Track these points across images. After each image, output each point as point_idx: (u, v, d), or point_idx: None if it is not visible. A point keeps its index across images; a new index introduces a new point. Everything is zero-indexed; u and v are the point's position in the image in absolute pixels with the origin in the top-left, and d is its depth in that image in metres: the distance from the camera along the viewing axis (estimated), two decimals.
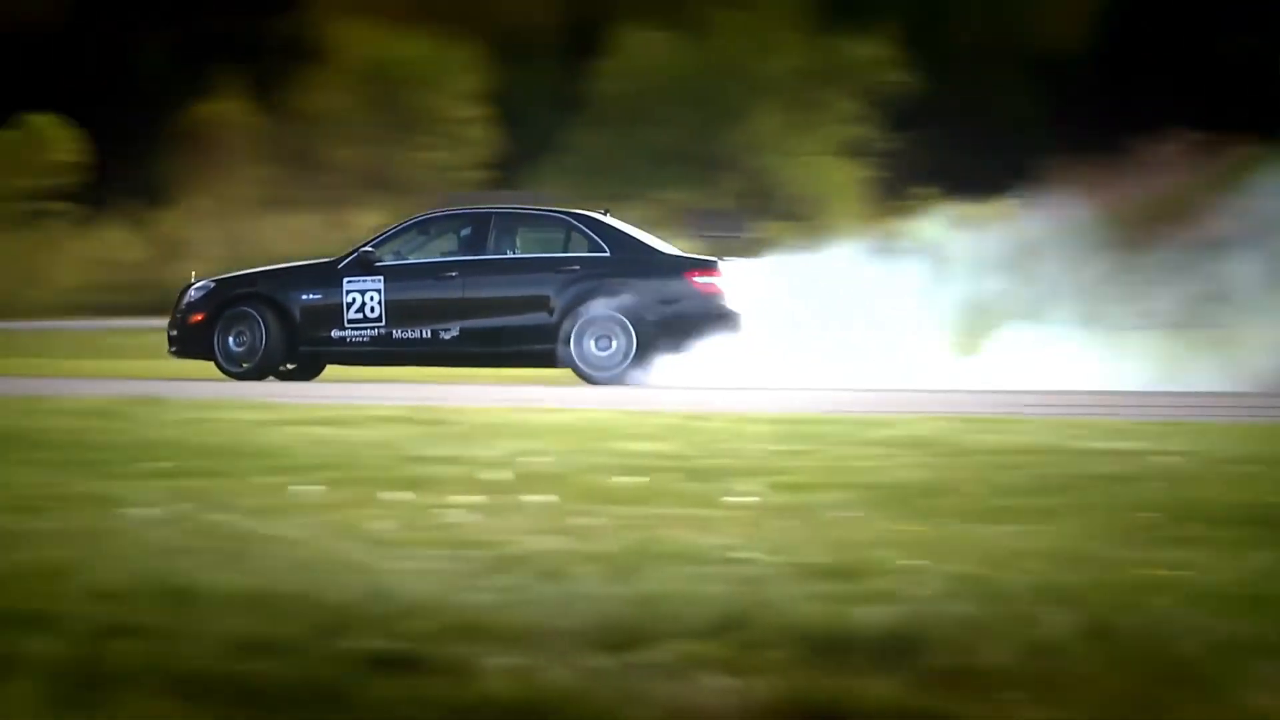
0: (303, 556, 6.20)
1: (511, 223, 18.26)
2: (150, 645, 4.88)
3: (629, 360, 17.31)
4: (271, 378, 18.16)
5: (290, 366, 18.37)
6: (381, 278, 17.79)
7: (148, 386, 15.35)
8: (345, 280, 17.85)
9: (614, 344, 17.35)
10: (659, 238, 18.97)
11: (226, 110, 57.01)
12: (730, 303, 17.33)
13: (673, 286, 17.41)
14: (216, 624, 5.09)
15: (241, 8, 59.02)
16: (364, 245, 18.23)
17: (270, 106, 55.95)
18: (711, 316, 17.21)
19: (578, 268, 17.61)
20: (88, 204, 54.26)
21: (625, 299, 17.39)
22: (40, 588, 5.55)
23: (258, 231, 50.46)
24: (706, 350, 17.03)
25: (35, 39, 58.43)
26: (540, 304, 17.57)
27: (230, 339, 17.91)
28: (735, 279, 17.47)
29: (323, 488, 7.99)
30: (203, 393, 14.67)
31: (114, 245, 52.75)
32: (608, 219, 18.38)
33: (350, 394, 15.44)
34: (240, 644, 4.89)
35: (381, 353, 17.86)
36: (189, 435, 10.70)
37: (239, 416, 11.92)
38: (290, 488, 7.97)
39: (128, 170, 54.47)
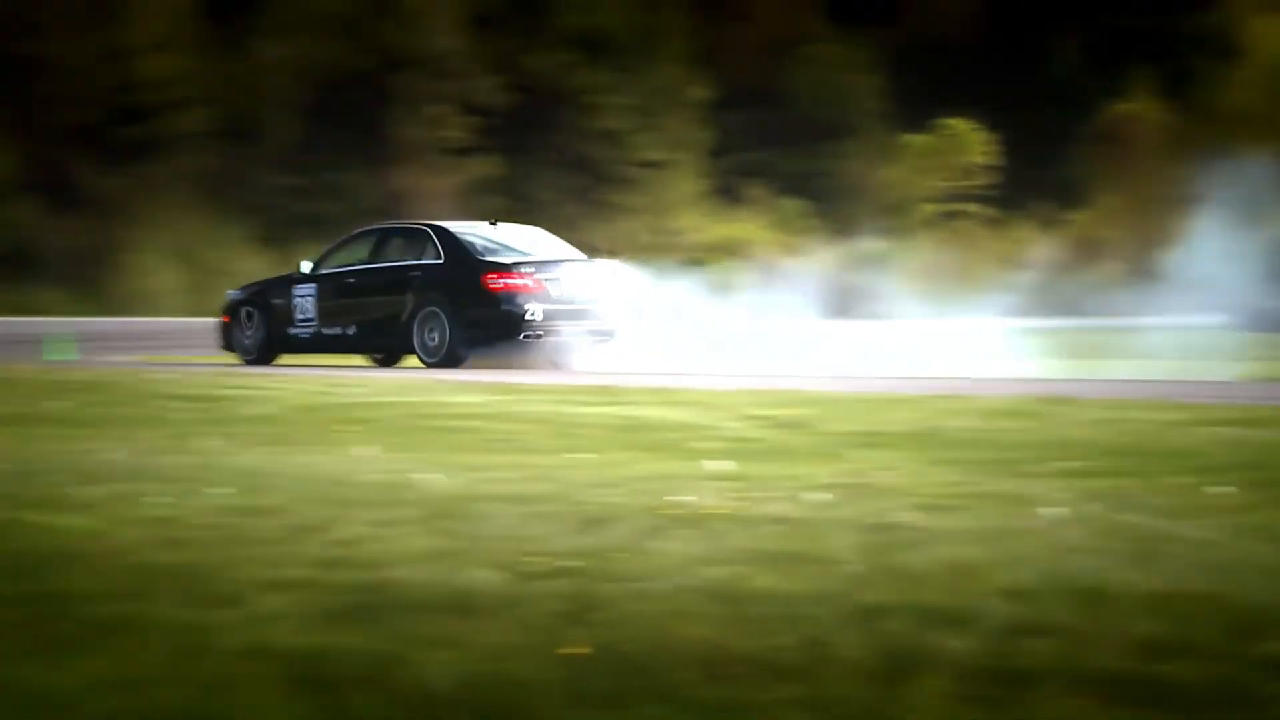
0: (1214, 558, 6.04)
1: (392, 236, 21.83)
2: (1059, 644, 4.88)
3: (445, 348, 20.25)
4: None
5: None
6: (315, 285, 21.62)
7: (1057, 386, 15.40)
8: (295, 287, 21.75)
9: (438, 335, 20.38)
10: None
11: (1139, 109, 56.55)
12: (525, 301, 19.94)
13: (473, 288, 20.14)
14: (1125, 624, 5.04)
15: (1155, 5, 58.41)
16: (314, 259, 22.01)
17: (1183, 104, 55.02)
18: (502, 313, 19.96)
19: (420, 274, 20.73)
20: (1000, 205, 55.27)
21: (443, 299, 20.35)
22: (953, 584, 5.66)
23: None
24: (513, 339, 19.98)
25: (954, 46, 60.12)
26: (400, 305, 20.73)
27: (241, 333, 22.16)
28: (540, 281, 20.12)
29: (1235, 489, 7.77)
30: (1116, 393, 14.55)
31: (1025, 245, 53.30)
32: (458, 228, 21.38)
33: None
34: (1149, 645, 4.82)
35: (318, 346, 21.71)
36: (1100, 435, 10.66)
37: (1153, 417, 11.77)
38: (1203, 489, 7.79)
39: (1039, 171, 55.07)
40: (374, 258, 21.52)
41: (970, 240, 53.76)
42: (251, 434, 11.46)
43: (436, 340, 20.38)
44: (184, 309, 60.49)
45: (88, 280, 59.34)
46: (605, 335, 20.60)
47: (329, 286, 21.53)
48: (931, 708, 4.44)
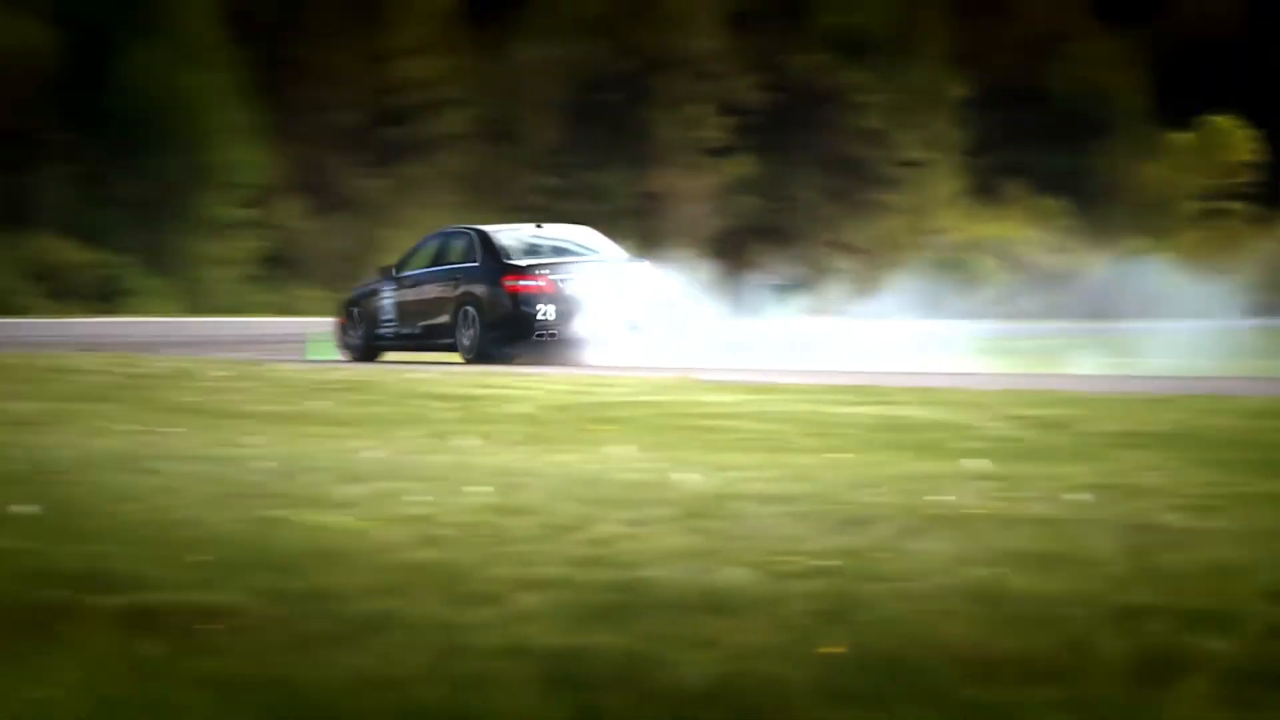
0: None
1: (451, 239, 22.47)
2: None
3: (476, 345, 21.00)
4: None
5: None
6: (395, 286, 22.52)
7: None
8: (383, 288, 22.73)
9: (471, 332, 21.09)
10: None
11: None
12: (537, 302, 20.66)
13: (496, 290, 20.95)
14: None
15: None
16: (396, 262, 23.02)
17: None
18: (516, 314, 20.70)
19: (461, 276, 21.54)
20: (1265, 203, 53.94)
21: (474, 300, 21.16)
22: (1216, 586, 5.52)
23: None
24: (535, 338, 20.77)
25: (1219, 42, 58.82)
26: (447, 305, 21.55)
27: (349, 332, 23.21)
28: (553, 282, 20.80)
29: None
30: None
31: None
32: (498, 231, 21.97)
33: None
34: None
35: (398, 344, 22.53)
36: None
37: None
38: None
39: None
40: (435, 260, 22.34)
41: (1234, 239, 52.60)
42: (508, 433, 11.58)
43: (469, 340, 21.22)
44: None
45: (350, 280, 60.60)
46: (631, 332, 21.05)
47: (403, 288, 22.47)
48: (1192, 710, 4.37)
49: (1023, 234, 54.92)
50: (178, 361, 18.98)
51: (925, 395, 14.08)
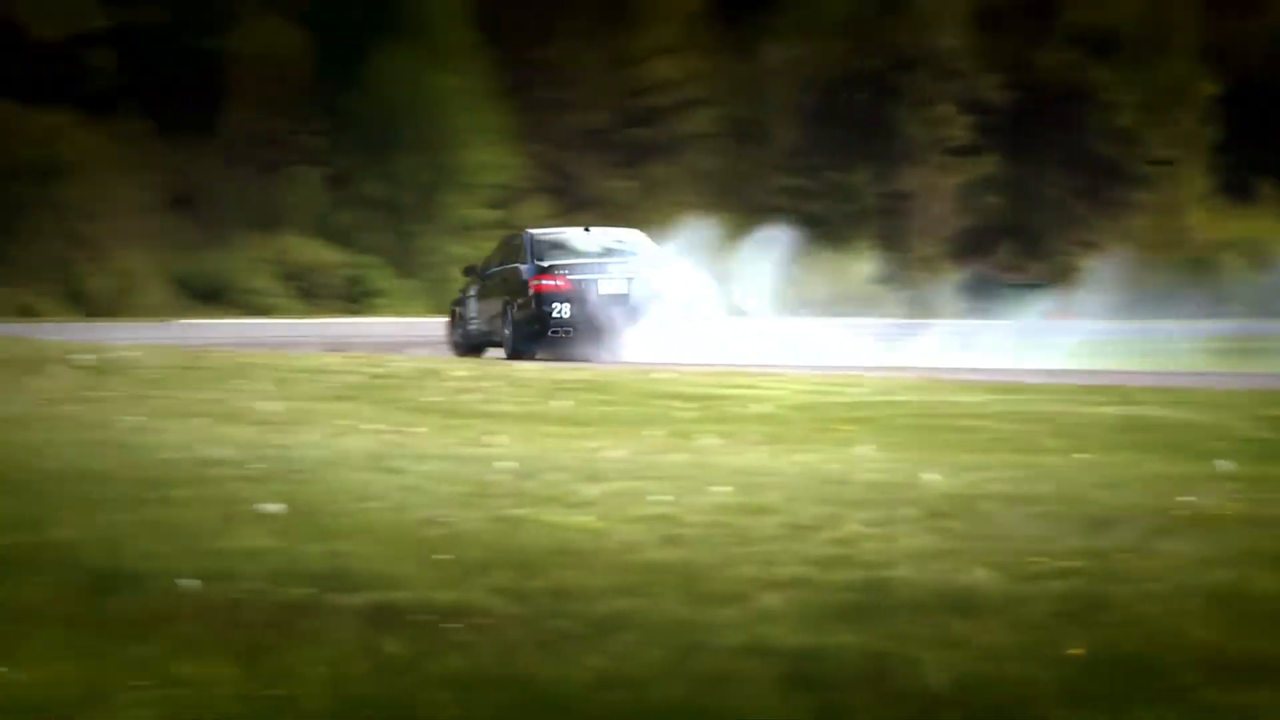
0: None
1: (512, 241, 23.28)
2: None
3: (510, 343, 21.81)
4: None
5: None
6: (476, 287, 23.40)
7: None
8: (471, 287, 23.62)
9: (508, 330, 21.91)
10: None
11: None
12: (555, 300, 21.27)
13: (524, 289, 21.63)
14: None
15: None
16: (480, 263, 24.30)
17: None
18: (536, 312, 21.38)
19: (508, 276, 22.30)
20: None
21: (510, 299, 21.97)
22: None
23: None
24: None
25: None
26: (499, 304, 22.29)
27: (454, 329, 24.16)
28: (572, 282, 21.48)
29: None
30: None
31: None
32: (545, 234, 23.05)
33: None
34: None
35: (480, 340, 23.15)
36: None
37: None
38: None
39: None
40: (502, 262, 22.97)
41: None
42: (749, 433, 11.53)
43: (507, 335, 22.03)
44: None
45: None
46: (660, 329, 21.46)
47: (480, 287, 23.37)
48: None
49: (1273, 233, 53.60)
50: (422, 361, 19.25)
51: (1170, 395, 13.80)
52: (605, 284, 21.63)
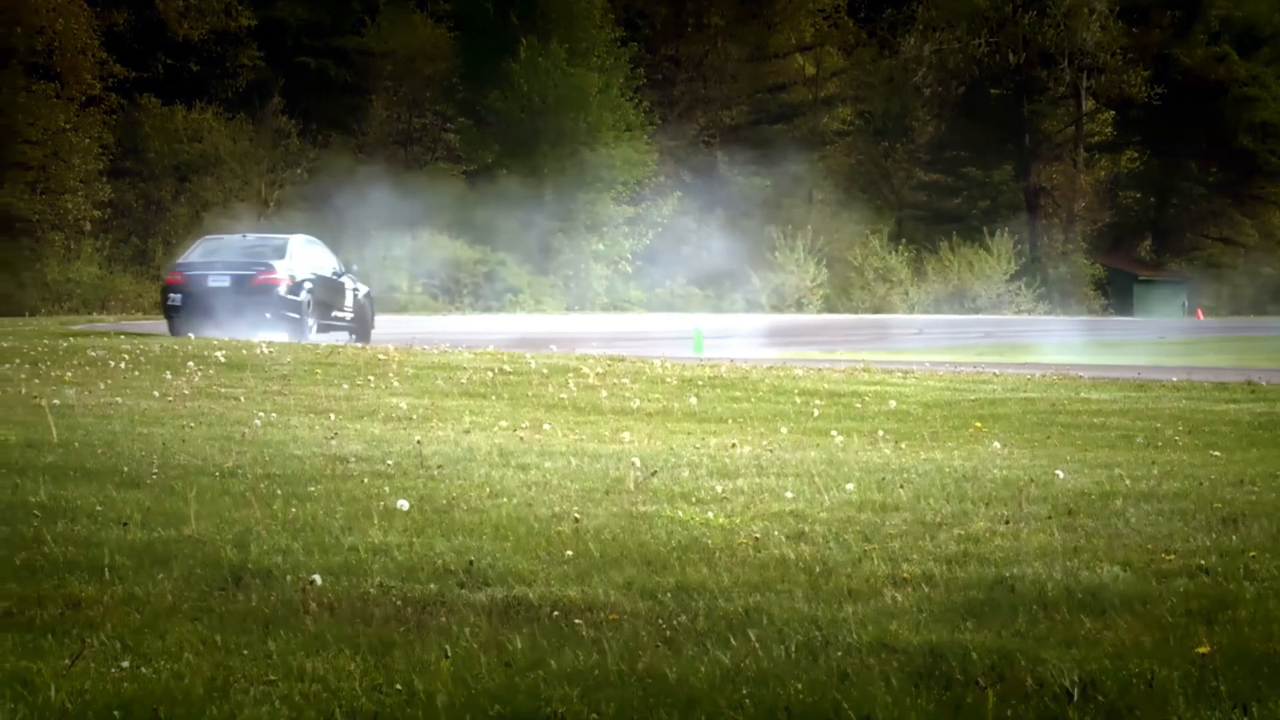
0: None
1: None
2: None
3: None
4: None
5: None
6: None
7: None
8: None
9: None
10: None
11: None
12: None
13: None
14: None
15: None
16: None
17: None
18: (164, 297, 26.32)
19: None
20: None
21: None
22: None
23: None
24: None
25: None
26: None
27: None
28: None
29: None
30: None
31: None
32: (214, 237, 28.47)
33: None
34: None
35: None
36: None
37: None
38: None
39: None
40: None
41: None
42: (879, 430, 11.49)
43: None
44: (821, 305, 61.57)
45: (733, 276, 61.06)
46: (258, 315, 25.42)
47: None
48: None
49: None
50: (553, 358, 19.33)
51: None
52: (212, 279, 25.80)
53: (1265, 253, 69.75)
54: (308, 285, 25.76)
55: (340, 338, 26.33)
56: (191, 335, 23.35)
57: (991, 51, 68.87)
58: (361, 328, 27.28)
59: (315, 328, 25.91)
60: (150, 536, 6.49)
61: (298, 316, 25.42)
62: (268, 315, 25.01)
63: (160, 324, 26.35)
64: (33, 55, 44.02)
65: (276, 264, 25.56)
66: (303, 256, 26.32)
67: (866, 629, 5.05)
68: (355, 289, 27.39)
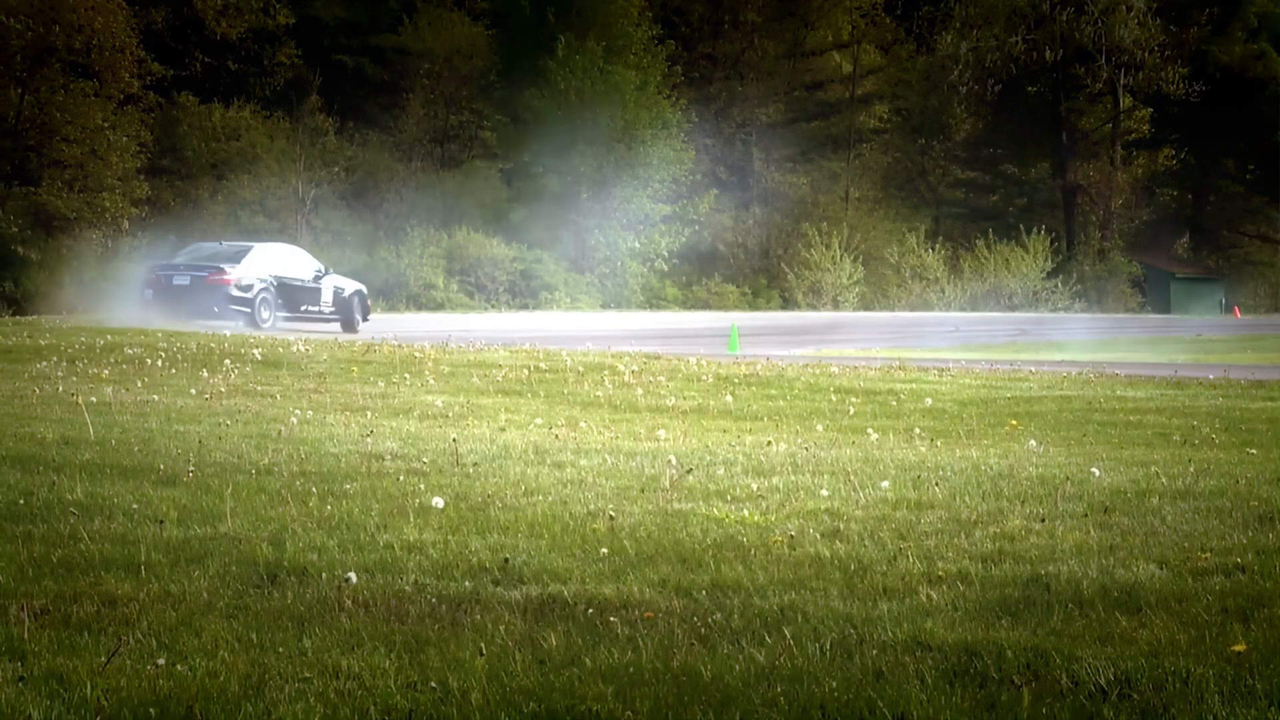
0: None
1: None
2: None
3: None
4: None
5: None
6: None
7: None
8: None
9: None
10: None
11: None
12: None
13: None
14: None
15: None
16: None
17: None
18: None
19: None
20: None
21: None
22: None
23: None
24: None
25: None
26: None
27: None
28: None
29: None
30: None
31: None
32: (198, 244, 33.45)
33: None
34: None
35: None
36: None
37: None
38: None
39: None
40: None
41: None
42: (914, 428, 11.47)
43: None
44: (857, 303, 61.50)
45: (769, 274, 60.95)
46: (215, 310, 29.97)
47: None
48: None
49: None
50: (588, 356, 19.33)
51: None
52: (176, 279, 30.34)
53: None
54: (260, 285, 30.44)
55: (332, 329, 30.88)
56: (157, 325, 26.83)
57: (1029, 49, 68.72)
58: (346, 319, 31.66)
59: (274, 320, 30.38)
60: (186, 534, 6.51)
61: (248, 311, 30.06)
62: (215, 309, 29.69)
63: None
64: (71, 54, 44.16)
65: (229, 267, 30.32)
66: (263, 261, 30.95)
67: (901, 627, 5.04)
68: (339, 287, 31.92)
